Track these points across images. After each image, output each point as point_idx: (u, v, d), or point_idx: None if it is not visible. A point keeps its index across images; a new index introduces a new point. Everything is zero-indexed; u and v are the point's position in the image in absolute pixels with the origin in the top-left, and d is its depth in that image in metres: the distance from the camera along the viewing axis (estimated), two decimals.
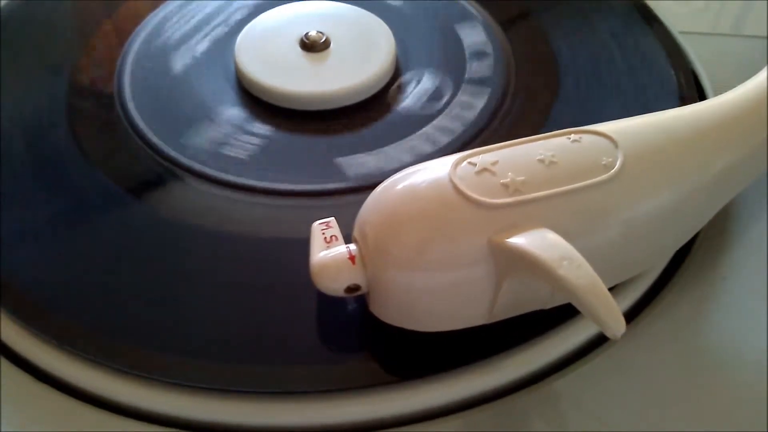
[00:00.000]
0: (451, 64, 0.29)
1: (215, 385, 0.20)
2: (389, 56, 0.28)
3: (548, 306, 0.20)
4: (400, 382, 0.20)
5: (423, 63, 0.29)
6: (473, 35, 0.30)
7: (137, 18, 0.31)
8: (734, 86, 0.22)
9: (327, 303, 0.21)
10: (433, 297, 0.19)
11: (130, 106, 0.27)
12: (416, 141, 0.26)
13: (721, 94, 0.22)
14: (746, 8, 0.33)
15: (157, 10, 0.31)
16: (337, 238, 0.20)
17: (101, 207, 0.24)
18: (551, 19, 0.31)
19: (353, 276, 0.19)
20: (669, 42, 0.29)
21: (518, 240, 0.18)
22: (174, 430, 0.20)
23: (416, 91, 0.28)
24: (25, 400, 0.21)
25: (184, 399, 0.20)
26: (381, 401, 0.20)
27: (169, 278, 0.22)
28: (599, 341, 0.22)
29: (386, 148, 0.26)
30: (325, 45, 0.28)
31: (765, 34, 0.31)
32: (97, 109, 0.28)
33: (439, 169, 0.19)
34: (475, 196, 0.18)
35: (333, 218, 0.21)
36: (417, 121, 0.27)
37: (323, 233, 0.20)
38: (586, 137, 0.20)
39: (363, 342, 0.21)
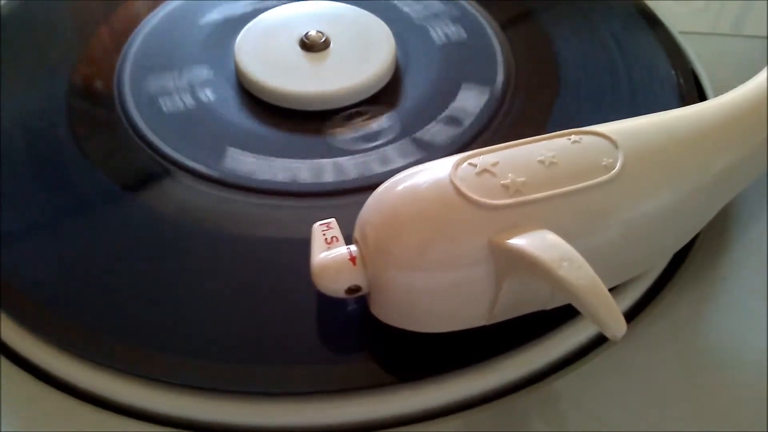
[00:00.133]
0: (451, 64, 0.29)
1: (215, 385, 0.20)
2: (389, 56, 0.28)
3: (548, 307, 0.20)
4: (401, 382, 0.20)
5: (423, 63, 0.29)
6: (473, 35, 0.30)
7: (137, 18, 0.31)
8: (734, 86, 0.22)
9: (327, 304, 0.21)
10: (433, 297, 0.19)
11: (130, 106, 0.27)
12: (416, 141, 0.26)
13: (721, 94, 0.22)
14: (746, 8, 0.33)
15: (157, 10, 0.31)
16: (337, 239, 0.20)
17: (101, 207, 0.24)
18: (551, 19, 0.31)
19: (354, 277, 0.19)
20: (669, 42, 0.29)
21: (518, 241, 0.18)
22: (174, 430, 0.20)
23: (416, 91, 0.28)
24: (25, 400, 0.21)
25: (184, 399, 0.20)
26: (381, 402, 0.20)
27: (169, 278, 0.22)
28: (599, 341, 0.22)
29: (386, 149, 0.26)
30: (325, 45, 0.28)
31: (765, 34, 0.31)
32: (97, 109, 0.28)
33: (439, 170, 0.19)
34: (475, 197, 0.18)
35: (334, 219, 0.21)
36: (417, 121, 0.27)
37: (324, 234, 0.20)
38: (586, 138, 0.20)
39: (363, 342, 0.21)
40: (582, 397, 0.20)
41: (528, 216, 0.18)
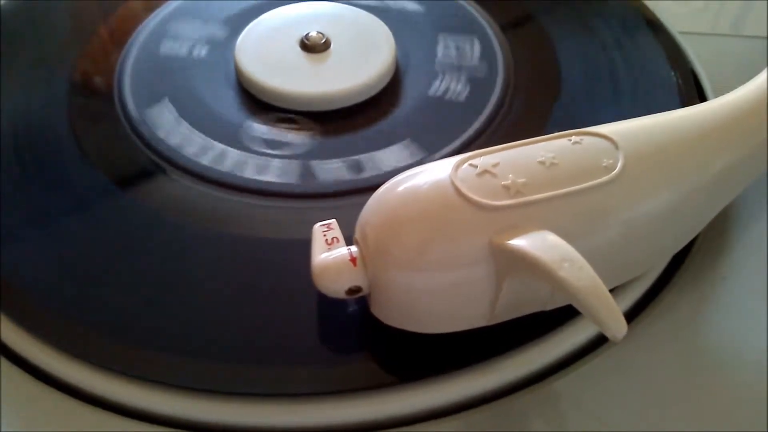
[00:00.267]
0: (451, 65, 0.29)
1: (215, 386, 0.20)
2: (389, 57, 0.28)
3: (549, 307, 0.20)
4: (401, 383, 0.20)
5: (423, 64, 0.29)
6: (473, 36, 0.30)
7: (137, 18, 0.31)
8: (734, 86, 0.22)
9: (327, 304, 0.21)
10: (433, 298, 0.19)
11: (131, 106, 0.27)
12: (416, 142, 0.26)
13: (720, 94, 0.22)
14: (746, 8, 0.33)
15: (158, 10, 0.31)
16: (338, 240, 0.20)
17: (102, 207, 0.24)
18: (551, 20, 0.31)
19: (354, 278, 0.19)
20: (669, 42, 0.29)
21: (519, 242, 0.18)
22: (174, 430, 0.20)
23: (416, 92, 0.28)
24: (25, 400, 0.21)
25: (184, 399, 0.20)
26: (382, 402, 0.20)
27: (169, 279, 0.22)
28: (599, 342, 0.22)
29: (386, 150, 0.26)
30: (326, 46, 0.28)
31: (765, 34, 0.31)
32: (97, 109, 0.28)
33: (440, 170, 0.19)
34: (476, 197, 0.18)
35: (334, 220, 0.21)
36: (417, 122, 0.27)
37: (324, 235, 0.20)
38: (587, 139, 0.20)
39: (363, 343, 0.21)
40: (582, 398, 0.20)
41: (528, 217, 0.18)
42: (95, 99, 0.28)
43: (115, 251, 0.23)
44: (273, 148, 0.26)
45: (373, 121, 0.27)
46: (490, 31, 0.30)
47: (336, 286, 0.19)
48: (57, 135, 0.26)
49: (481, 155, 0.19)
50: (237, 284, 0.22)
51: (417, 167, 0.20)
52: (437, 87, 0.28)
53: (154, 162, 0.26)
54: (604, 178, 0.19)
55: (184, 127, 0.27)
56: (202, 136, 0.26)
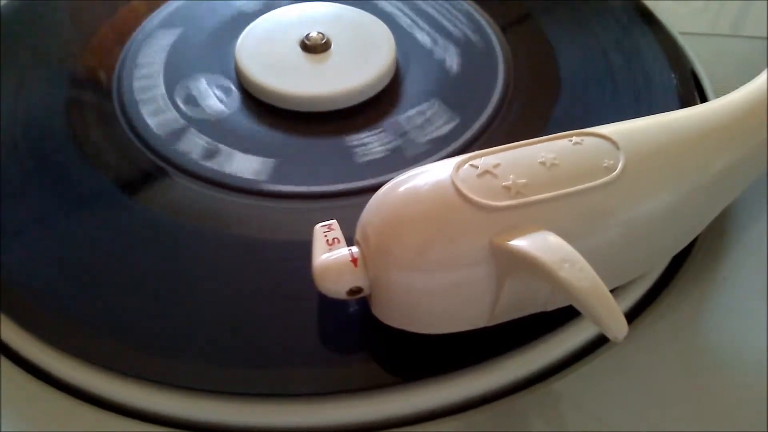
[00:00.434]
0: (452, 65, 0.29)
1: (215, 386, 0.20)
2: (389, 58, 0.28)
3: (549, 308, 0.20)
4: (401, 383, 0.20)
5: (423, 64, 0.29)
6: (473, 36, 0.30)
7: (137, 18, 0.31)
8: (734, 87, 0.22)
9: (328, 305, 0.21)
10: (434, 298, 0.19)
11: (131, 106, 0.27)
12: (416, 143, 0.26)
13: (721, 94, 0.22)
14: (746, 8, 0.33)
15: (158, 10, 0.31)
16: (339, 241, 0.20)
17: (102, 208, 0.24)
18: (551, 20, 0.31)
19: (355, 278, 0.19)
20: (669, 42, 0.29)
21: (519, 242, 0.18)
22: (174, 430, 0.20)
23: (416, 92, 0.28)
24: (25, 400, 0.21)
25: (185, 400, 0.20)
26: (382, 402, 0.20)
27: (170, 280, 0.22)
28: (599, 342, 0.22)
29: (386, 150, 0.26)
30: (326, 46, 0.28)
31: (765, 35, 0.31)
32: (97, 109, 0.28)
33: (441, 171, 0.19)
34: (476, 198, 0.18)
35: (335, 221, 0.21)
36: (417, 122, 0.27)
37: (325, 236, 0.20)
38: (587, 139, 0.20)
39: (364, 343, 0.21)
40: (582, 398, 0.20)
41: (529, 217, 0.18)
42: (95, 99, 0.28)
43: (115, 251, 0.23)
44: (273, 149, 0.26)
45: (373, 121, 0.27)
46: (490, 31, 0.30)
47: (337, 287, 0.19)
48: (57, 135, 0.26)
49: (481, 156, 0.19)
50: (237, 284, 0.22)
51: (418, 168, 0.20)
52: (437, 87, 0.28)
53: (153, 162, 0.25)
54: (605, 179, 0.19)
55: (184, 127, 0.27)
56: (202, 136, 0.26)
